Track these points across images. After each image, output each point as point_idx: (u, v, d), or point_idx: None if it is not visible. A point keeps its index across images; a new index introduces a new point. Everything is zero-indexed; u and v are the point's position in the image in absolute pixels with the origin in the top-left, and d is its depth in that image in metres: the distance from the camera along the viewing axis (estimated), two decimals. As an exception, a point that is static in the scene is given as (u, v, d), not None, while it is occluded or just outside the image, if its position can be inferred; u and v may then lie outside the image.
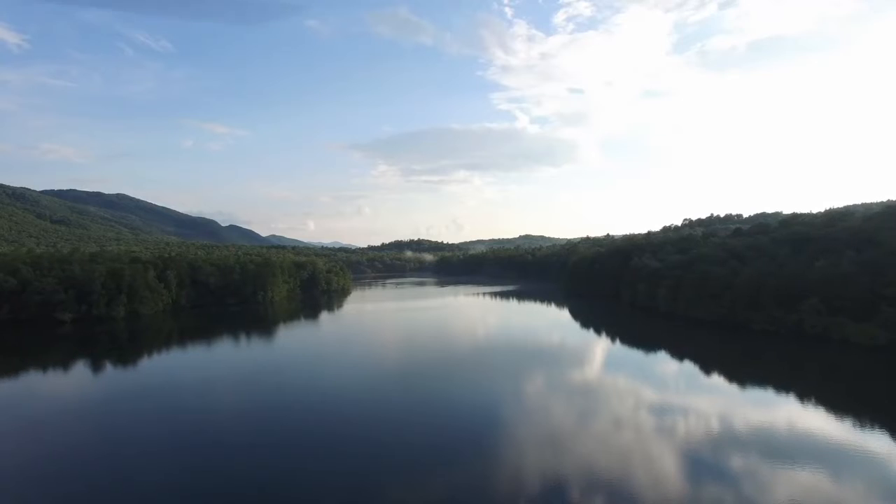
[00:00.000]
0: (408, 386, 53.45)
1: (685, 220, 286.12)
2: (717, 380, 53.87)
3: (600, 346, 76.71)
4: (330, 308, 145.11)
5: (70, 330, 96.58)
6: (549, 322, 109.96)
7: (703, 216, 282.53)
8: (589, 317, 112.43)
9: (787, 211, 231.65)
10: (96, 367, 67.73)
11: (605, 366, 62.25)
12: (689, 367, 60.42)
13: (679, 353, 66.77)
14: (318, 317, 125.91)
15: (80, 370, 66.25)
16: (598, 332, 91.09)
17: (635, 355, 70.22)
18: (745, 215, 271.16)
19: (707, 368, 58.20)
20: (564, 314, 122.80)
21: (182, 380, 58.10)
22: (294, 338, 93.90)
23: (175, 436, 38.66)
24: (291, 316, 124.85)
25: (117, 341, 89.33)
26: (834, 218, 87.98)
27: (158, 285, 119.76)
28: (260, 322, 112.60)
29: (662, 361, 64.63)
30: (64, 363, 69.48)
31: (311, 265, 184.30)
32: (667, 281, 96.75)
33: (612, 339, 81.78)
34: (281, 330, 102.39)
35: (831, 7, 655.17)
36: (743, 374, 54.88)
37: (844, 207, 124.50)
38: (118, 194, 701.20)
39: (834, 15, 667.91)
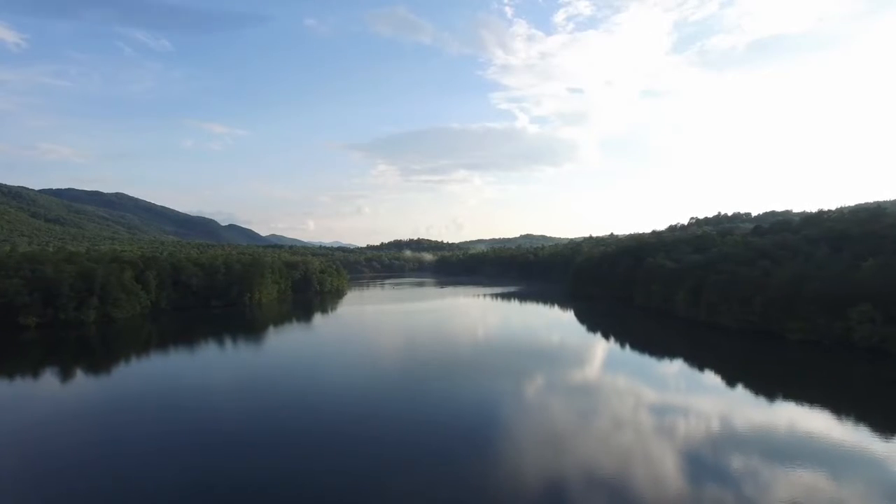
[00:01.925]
0: (401, 412, 45.02)
1: (692, 218, 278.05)
2: (761, 401, 45.37)
3: (618, 357, 68.00)
4: (320, 311, 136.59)
5: (34, 336, 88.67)
6: (559, 328, 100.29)
7: (710, 215, 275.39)
8: (601, 321, 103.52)
9: (796, 209, 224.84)
10: (57, 377, 61.37)
11: (627, 381, 53.45)
12: (726, 385, 51.80)
13: (711, 368, 58.20)
14: (305, 320, 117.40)
15: (37, 381, 59.86)
16: (612, 339, 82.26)
17: (660, 369, 61.42)
18: (754, 214, 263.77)
19: (747, 386, 49.65)
20: (574, 319, 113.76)
21: (148, 392, 52.93)
22: (275, 345, 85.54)
23: (138, 452, 35.11)
24: (277, 320, 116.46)
25: (85, 348, 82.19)
26: (873, 214, 79.25)
27: (136, 287, 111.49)
28: (242, 327, 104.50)
29: (694, 378, 56.09)
30: (23, 373, 63.09)
31: (303, 265, 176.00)
32: (686, 283, 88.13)
33: (631, 349, 73.09)
34: (262, 336, 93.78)
35: (831, 6, 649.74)
36: (794, 394, 46.40)
37: (875, 204, 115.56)
38: (117, 193, 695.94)
39: (834, 14, 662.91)
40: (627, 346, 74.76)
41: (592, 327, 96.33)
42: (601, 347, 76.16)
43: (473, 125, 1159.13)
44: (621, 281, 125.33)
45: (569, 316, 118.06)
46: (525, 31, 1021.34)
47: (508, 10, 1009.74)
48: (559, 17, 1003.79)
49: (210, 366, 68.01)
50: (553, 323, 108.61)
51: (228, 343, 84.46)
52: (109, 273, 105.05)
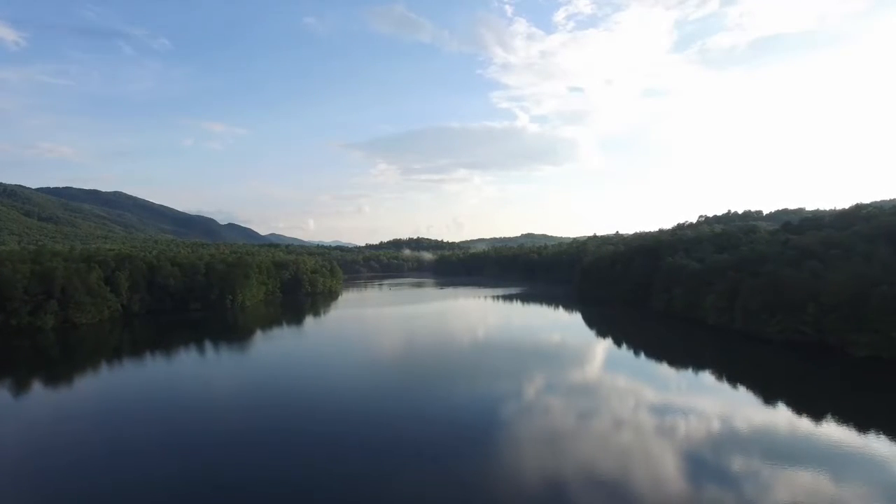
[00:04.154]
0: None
1: (701, 216, 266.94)
2: (836, 438, 34.99)
3: (647, 376, 56.97)
4: (308, 315, 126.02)
5: (-20, 344, 79.13)
6: (573, 339, 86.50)
7: (719, 213, 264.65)
8: (617, 330, 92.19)
9: (809, 207, 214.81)
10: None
11: (662, 408, 42.93)
12: (788, 419, 41.36)
13: (766, 394, 47.30)
14: (287, 327, 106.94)
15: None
16: (634, 351, 71.35)
17: (703, 393, 50.85)
18: (766, 212, 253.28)
19: (814, 416, 39.36)
20: (587, 326, 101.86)
21: (100, 409, 47.48)
22: (248, 358, 75.33)
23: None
24: (258, 326, 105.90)
25: (37, 359, 73.85)
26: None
27: (103, 289, 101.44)
28: (217, 334, 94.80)
29: (748, 406, 45.43)
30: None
31: (293, 265, 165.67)
32: (716, 286, 77.54)
33: (661, 364, 62.60)
34: (236, 346, 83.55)
35: (832, 4, 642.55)
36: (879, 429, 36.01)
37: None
38: (115, 192, 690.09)
39: (835, 12, 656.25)
40: (655, 361, 64.13)
41: (608, 336, 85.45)
42: (624, 362, 65.45)
43: (473, 124, 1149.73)
44: (636, 283, 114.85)
45: (581, 322, 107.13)
46: (525, 29, 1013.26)
47: (508, 9, 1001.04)
48: (559, 15, 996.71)
49: (171, 380, 60.01)
50: (565, 332, 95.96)
51: (198, 354, 75.85)
52: (71, 274, 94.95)
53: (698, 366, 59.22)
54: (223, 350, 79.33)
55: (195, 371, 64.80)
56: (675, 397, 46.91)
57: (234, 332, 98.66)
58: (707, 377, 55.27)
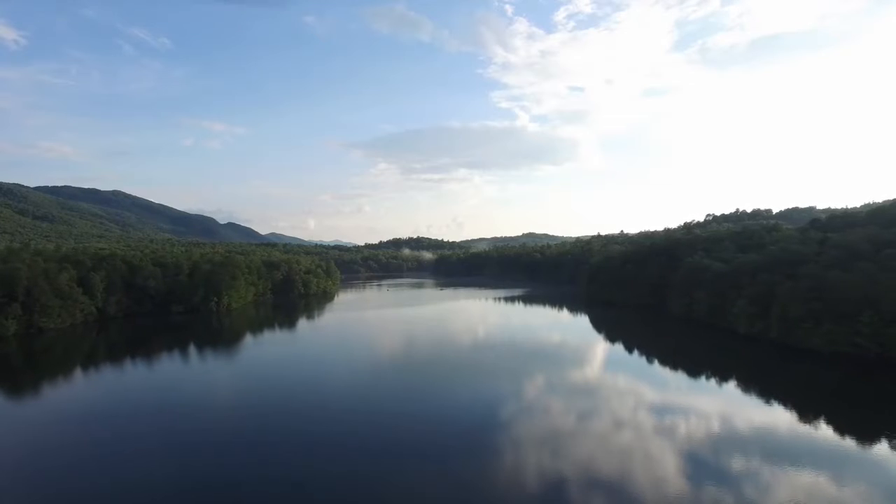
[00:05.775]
0: None
1: (708, 215, 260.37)
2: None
3: (695, 401, 48.87)
4: (298, 318, 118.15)
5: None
6: (594, 351, 76.86)
7: (727, 211, 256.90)
8: (638, 340, 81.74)
9: (820, 206, 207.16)
10: None
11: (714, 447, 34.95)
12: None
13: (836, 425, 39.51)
14: (278, 330, 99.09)
15: None
16: (670, 368, 60.95)
17: (759, 418, 42.77)
18: (775, 210, 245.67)
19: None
20: (604, 335, 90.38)
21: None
22: (235, 366, 67.39)
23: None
24: (246, 329, 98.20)
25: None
26: None
27: (75, 291, 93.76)
28: (201, 337, 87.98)
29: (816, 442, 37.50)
30: None
31: (286, 265, 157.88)
32: (746, 289, 69.49)
33: (702, 381, 54.08)
34: (223, 351, 75.81)
35: (832, 4, 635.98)
36: None
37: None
38: (114, 191, 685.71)
39: (835, 12, 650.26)
40: (693, 378, 55.00)
41: (629, 346, 75.66)
42: (653, 378, 56.57)
43: (474, 124, 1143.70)
44: (650, 284, 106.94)
45: (595, 329, 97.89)
46: (525, 28, 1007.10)
47: (508, 8, 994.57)
48: (560, 15, 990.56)
49: (149, 385, 55.51)
50: (581, 340, 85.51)
51: (178, 359, 69.11)
52: (38, 275, 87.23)
53: (744, 385, 50.30)
54: (204, 355, 72.75)
55: (173, 377, 59.27)
56: (719, 415, 38.95)
57: (217, 335, 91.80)
58: (756, 398, 47.02)
